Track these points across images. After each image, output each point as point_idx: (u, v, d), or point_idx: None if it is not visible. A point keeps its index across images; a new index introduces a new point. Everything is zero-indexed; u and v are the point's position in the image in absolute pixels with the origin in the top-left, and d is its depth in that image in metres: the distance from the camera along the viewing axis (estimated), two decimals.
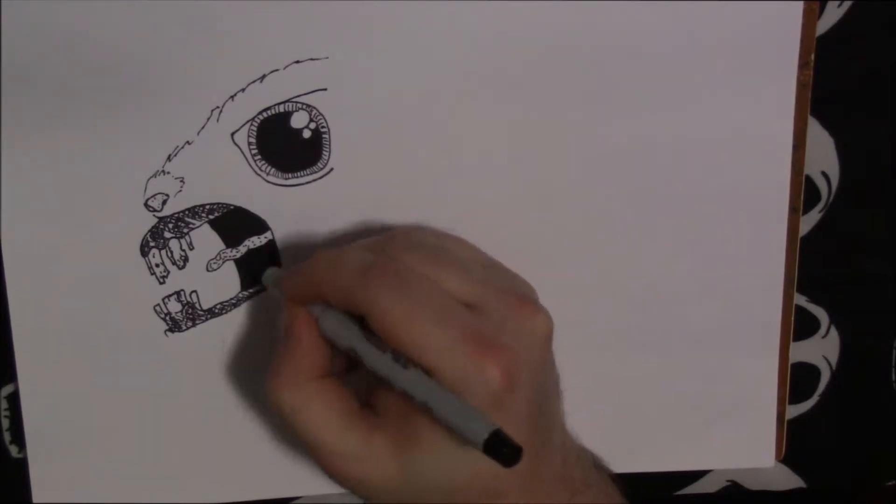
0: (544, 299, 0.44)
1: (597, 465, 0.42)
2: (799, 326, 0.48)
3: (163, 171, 0.42)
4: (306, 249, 0.43)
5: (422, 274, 0.37)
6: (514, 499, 0.37)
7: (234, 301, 0.44)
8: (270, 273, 0.42)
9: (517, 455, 0.34)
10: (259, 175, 0.42)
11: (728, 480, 0.50)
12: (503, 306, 0.37)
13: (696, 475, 0.50)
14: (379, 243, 0.39)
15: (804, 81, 0.44)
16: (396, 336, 0.36)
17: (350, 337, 0.37)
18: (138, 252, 0.43)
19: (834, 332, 0.49)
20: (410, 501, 0.38)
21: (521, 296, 0.38)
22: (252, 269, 0.43)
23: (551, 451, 0.39)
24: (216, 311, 0.44)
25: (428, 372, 0.36)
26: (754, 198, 0.45)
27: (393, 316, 0.36)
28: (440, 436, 0.36)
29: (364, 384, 0.39)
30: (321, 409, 0.38)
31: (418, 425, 0.36)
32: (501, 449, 0.34)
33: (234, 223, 0.43)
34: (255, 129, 0.42)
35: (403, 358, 0.36)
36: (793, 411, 0.50)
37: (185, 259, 0.43)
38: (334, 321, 0.38)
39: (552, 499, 0.38)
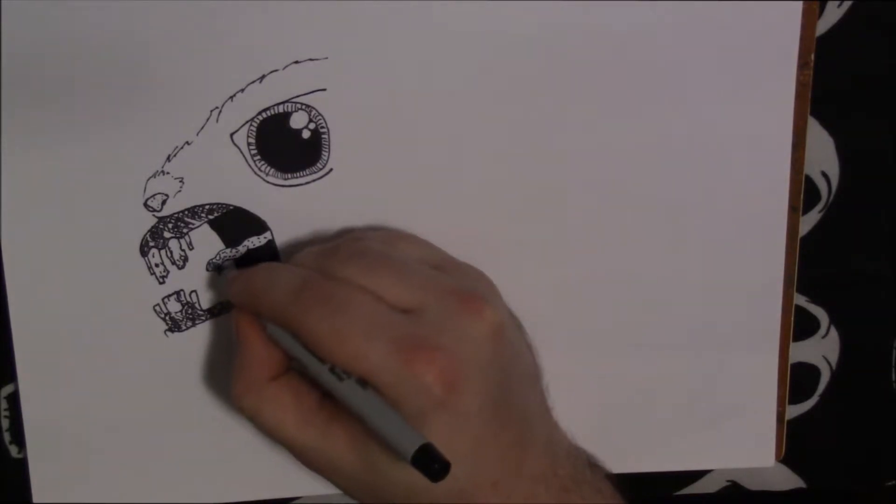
0: (543, 299, 0.44)
1: (592, 464, 0.41)
2: (799, 326, 0.48)
3: (162, 172, 0.42)
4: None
5: (354, 288, 0.37)
6: (486, 498, 0.37)
7: None
8: (224, 275, 0.43)
9: (445, 470, 0.34)
10: (258, 175, 0.42)
11: (728, 480, 0.50)
12: (444, 307, 0.37)
13: (696, 475, 0.50)
14: (322, 255, 0.39)
15: (804, 81, 0.44)
16: (326, 354, 0.37)
17: (291, 346, 0.38)
18: (138, 252, 0.43)
19: (834, 332, 0.49)
20: (377, 495, 0.38)
21: (465, 294, 0.38)
22: None
23: (532, 448, 0.39)
24: (216, 311, 0.44)
25: (366, 382, 0.36)
26: (754, 197, 0.45)
27: (320, 336, 0.36)
28: None
29: None
30: (277, 410, 0.39)
31: None
32: (431, 463, 0.34)
33: (233, 223, 0.43)
34: (254, 129, 0.42)
35: (339, 369, 0.36)
36: (793, 411, 0.50)
37: (185, 259, 0.43)
38: (277, 329, 0.39)
39: (536, 497, 0.38)
